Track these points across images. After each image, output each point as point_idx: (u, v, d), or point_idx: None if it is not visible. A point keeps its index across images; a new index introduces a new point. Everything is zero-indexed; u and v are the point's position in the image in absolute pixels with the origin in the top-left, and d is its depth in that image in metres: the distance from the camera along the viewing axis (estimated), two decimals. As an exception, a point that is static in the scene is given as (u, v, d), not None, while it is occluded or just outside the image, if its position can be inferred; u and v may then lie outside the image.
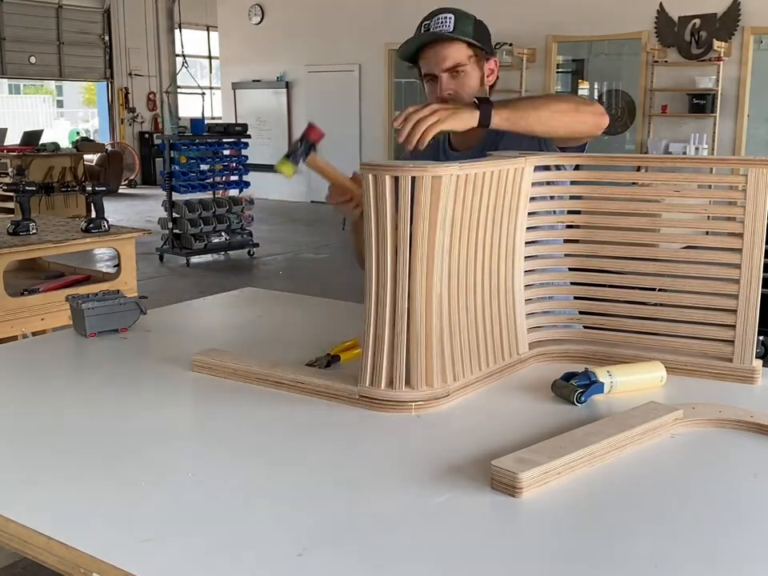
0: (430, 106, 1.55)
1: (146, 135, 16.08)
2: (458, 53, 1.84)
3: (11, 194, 5.78)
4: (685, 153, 9.00)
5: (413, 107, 1.54)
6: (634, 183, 1.68)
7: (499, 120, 1.59)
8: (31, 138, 11.79)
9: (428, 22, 1.86)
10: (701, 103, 9.34)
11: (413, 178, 1.33)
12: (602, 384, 1.45)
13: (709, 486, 1.16)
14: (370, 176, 1.35)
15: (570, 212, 1.69)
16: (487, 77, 1.90)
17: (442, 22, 1.84)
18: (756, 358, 1.57)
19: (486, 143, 1.85)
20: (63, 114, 24.41)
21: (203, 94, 15.63)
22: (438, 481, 1.13)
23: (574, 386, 1.44)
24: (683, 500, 1.11)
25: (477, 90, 1.85)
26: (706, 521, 1.06)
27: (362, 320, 1.42)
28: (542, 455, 1.13)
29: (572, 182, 1.68)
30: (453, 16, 1.84)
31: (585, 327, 1.70)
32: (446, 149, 2.00)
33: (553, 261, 1.71)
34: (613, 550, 0.98)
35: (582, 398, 1.43)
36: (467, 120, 1.57)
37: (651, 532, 1.01)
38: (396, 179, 1.33)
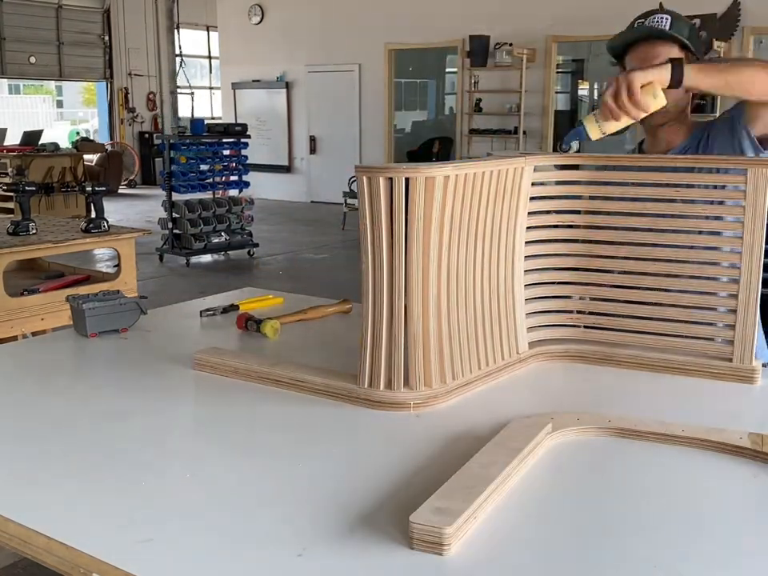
0: (621, 77, 1.53)
1: (146, 135, 16.09)
2: (669, 52, 1.79)
3: (11, 194, 5.77)
4: (685, 153, 8.98)
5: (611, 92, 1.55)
6: (633, 183, 1.68)
7: (695, 75, 1.55)
8: (31, 138, 11.80)
9: (642, 20, 1.83)
10: (701, 103, 9.32)
11: (407, 179, 1.33)
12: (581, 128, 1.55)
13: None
14: (365, 178, 1.35)
15: (570, 212, 1.69)
16: None
17: (658, 21, 1.81)
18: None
19: (688, 145, 1.83)
20: (63, 114, 24.42)
21: (192, 93, 15.65)
22: (438, 481, 1.13)
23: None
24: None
25: (681, 95, 1.82)
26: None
27: (360, 320, 1.42)
28: (456, 500, 1.03)
29: (572, 182, 1.67)
30: (669, 17, 1.81)
31: (585, 327, 1.70)
32: (634, 154, 1.95)
33: (553, 260, 1.71)
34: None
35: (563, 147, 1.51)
36: (660, 73, 1.54)
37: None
38: (390, 180, 1.34)
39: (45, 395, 1.51)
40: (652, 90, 1.58)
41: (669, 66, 1.57)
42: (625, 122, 1.64)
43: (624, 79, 1.56)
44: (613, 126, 1.66)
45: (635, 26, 1.86)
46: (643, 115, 1.62)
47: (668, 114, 1.82)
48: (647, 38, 1.83)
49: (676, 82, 1.57)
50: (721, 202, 1.59)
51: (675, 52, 1.81)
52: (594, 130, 1.67)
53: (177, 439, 1.33)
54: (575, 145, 1.68)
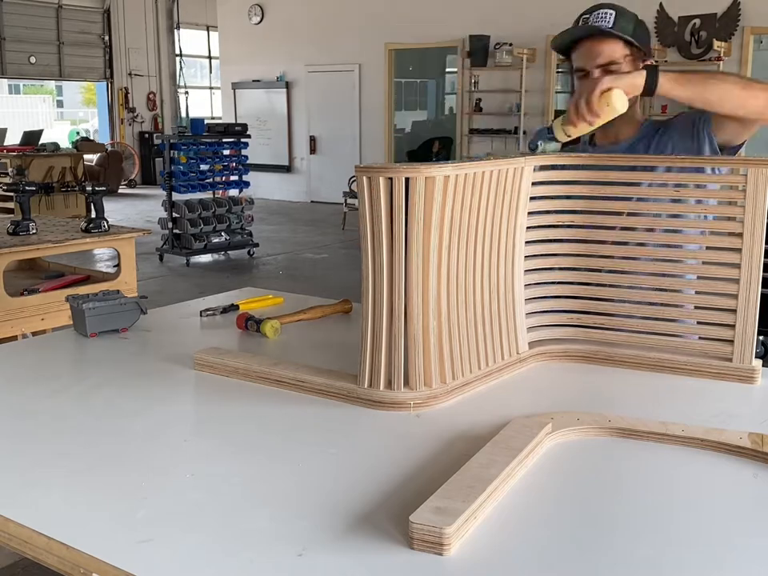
0: (592, 81, 1.52)
1: (146, 135, 16.09)
2: (613, 50, 1.79)
3: (11, 194, 5.77)
4: (685, 153, 8.99)
5: (576, 96, 1.54)
6: (633, 183, 1.68)
7: (669, 85, 1.54)
8: (31, 138, 11.80)
9: (587, 15, 1.83)
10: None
11: (406, 179, 1.33)
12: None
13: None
14: (365, 178, 1.35)
15: (570, 212, 1.69)
16: None
17: (601, 17, 1.79)
18: (756, 357, 1.57)
19: (639, 140, 1.83)
20: (63, 114, 24.43)
21: (186, 93, 15.64)
22: (438, 481, 1.13)
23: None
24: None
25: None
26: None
27: (360, 320, 1.42)
28: (456, 500, 1.02)
29: (572, 182, 1.67)
30: (614, 12, 1.79)
31: (585, 327, 1.70)
32: (585, 145, 1.95)
33: (552, 260, 1.71)
34: None
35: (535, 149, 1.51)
36: (633, 80, 1.53)
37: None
38: (390, 180, 1.34)
39: (45, 395, 1.51)
40: (607, 98, 1.58)
41: (644, 73, 1.56)
42: (583, 127, 1.64)
43: (588, 85, 1.55)
44: (574, 130, 1.67)
45: (580, 22, 1.84)
46: (599, 122, 1.61)
47: None
48: (591, 35, 1.81)
49: (649, 90, 1.57)
50: (720, 203, 1.59)
51: (620, 49, 1.80)
52: (560, 133, 1.68)
53: (177, 439, 1.33)
54: (542, 145, 1.69)
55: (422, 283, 1.39)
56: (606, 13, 1.80)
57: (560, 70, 10.90)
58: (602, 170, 1.65)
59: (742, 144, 1.81)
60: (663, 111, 9.61)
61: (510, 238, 1.59)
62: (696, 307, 1.61)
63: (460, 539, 0.98)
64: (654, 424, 1.31)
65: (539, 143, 1.71)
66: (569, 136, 1.68)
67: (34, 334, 3.18)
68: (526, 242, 1.64)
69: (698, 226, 1.61)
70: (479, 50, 10.98)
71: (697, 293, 1.63)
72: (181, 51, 16.75)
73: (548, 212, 1.68)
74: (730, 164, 1.59)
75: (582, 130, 1.66)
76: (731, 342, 1.56)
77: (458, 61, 11.49)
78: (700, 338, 1.61)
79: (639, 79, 1.57)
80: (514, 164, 1.55)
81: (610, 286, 1.67)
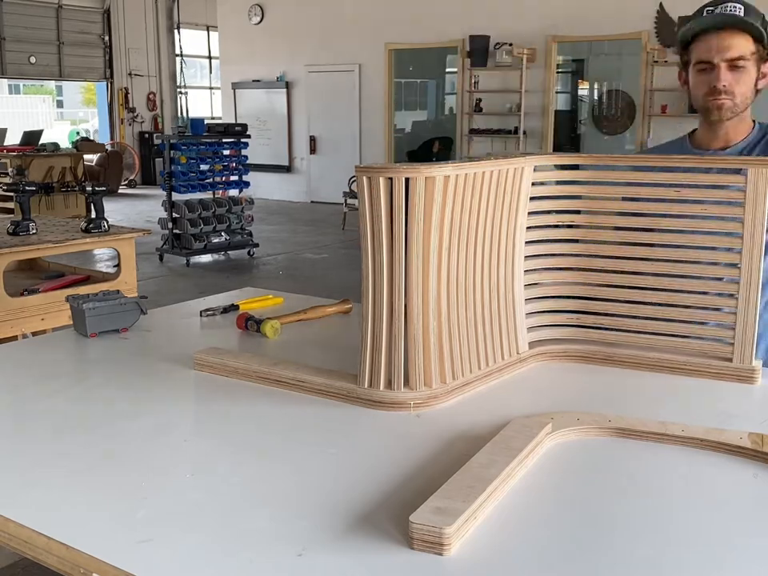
0: None
1: (146, 135, 16.09)
2: (743, 44, 1.73)
3: (11, 194, 5.77)
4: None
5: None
6: (634, 183, 1.68)
7: None
8: (31, 138, 11.80)
9: (712, 8, 1.75)
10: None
11: (407, 179, 1.34)
12: None
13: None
14: (365, 178, 1.35)
15: (570, 212, 1.69)
16: (760, 79, 1.81)
17: (731, 10, 1.72)
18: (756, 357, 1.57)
19: (754, 144, 1.80)
20: (63, 114, 24.43)
21: (183, 93, 15.63)
22: (438, 481, 1.13)
23: None
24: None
25: (751, 90, 1.79)
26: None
27: (360, 320, 1.42)
28: (456, 500, 1.02)
29: (572, 182, 1.67)
30: (743, 6, 1.73)
31: (585, 327, 1.70)
32: (684, 148, 1.91)
33: (552, 260, 1.71)
34: None
35: None
36: None
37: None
38: (390, 180, 1.34)
39: (45, 395, 1.51)
40: None
41: None
42: None
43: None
44: None
45: (704, 14, 1.76)
46: None
47: (737, 108, 1.80)
48: (721, 26, 1.74)
49: None
50: (721, 202, 1.59)
51: (749, 44, 1.74)
52: None
53: (177, 439, 1.33)
54: None
55: (422, 283, 1.39)
56: (735, 6, 1.73)
57: (560, 70, 10.90)
58: (603, 170, 1.65)
59: None
60: (663, 111, 9.62)
61: (510, 238, 1.59)
62: (696, 307, 1.61)
63: (460, 539, 0.98)
64: (653, 424, 1.31)
65: None
66: None
67: (34, 334, 3.18)
68: (526, 242, 1.64)
69: (698, 226, 1.61)
70: (479, 50, 10.98)
71: (697, 293, 1.63)
72: (181, 51, 16.75)
73: (548, 212, 1.68)
74: (730, 164, 1.59)
75: None
76: (731, 342, 1.56)
77: (458, 61, 11.49)
78: (700, 338, 1.61)
79: None
80: (514, 164, 1.55)
81: (610, 286, 1.67)
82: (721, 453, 1.25)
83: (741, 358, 1.56)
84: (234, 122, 11.79)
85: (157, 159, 14.94)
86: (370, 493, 1.12)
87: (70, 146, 13.00)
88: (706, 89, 1.78)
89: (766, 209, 1.50)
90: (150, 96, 16.49)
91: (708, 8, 1.77)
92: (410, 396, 1.41)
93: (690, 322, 1.62)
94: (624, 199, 1.66)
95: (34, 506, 1.08)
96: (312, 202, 13.31)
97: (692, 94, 1.85)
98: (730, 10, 1.73)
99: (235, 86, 14.02)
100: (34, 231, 3.51)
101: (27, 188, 3.59)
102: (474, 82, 11.37)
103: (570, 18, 10.15)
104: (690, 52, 1.82)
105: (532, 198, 1.62)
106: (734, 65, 1.75)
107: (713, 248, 1.59)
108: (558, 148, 10.75)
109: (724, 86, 1.76)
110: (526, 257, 1.64)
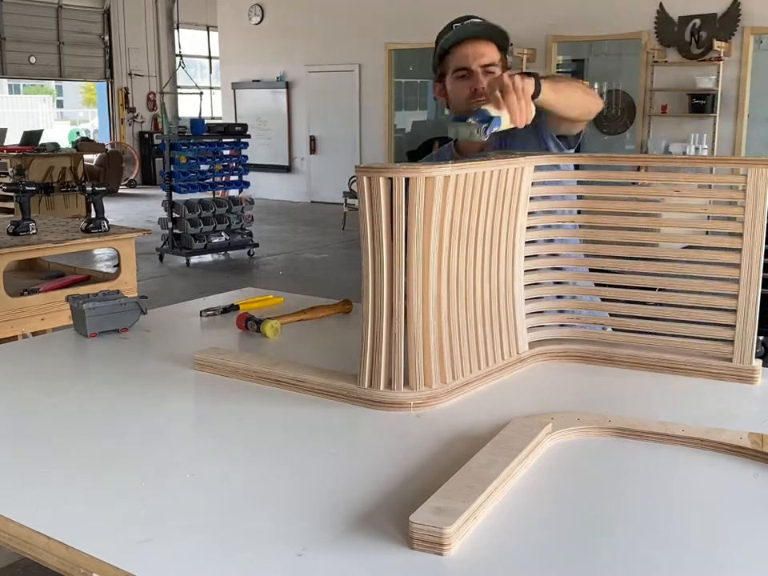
0: (508, 77, 1.53)
1: (146, 135, 16.09)
2: (494, 52, 1.92)
3: (11, 194, 5.77)
4: (685, 153, 9.01)
5: (494, 84, 1.53)
6: (634, 183, 1.68)
7: (546, 90, 1.58)
8: (31, 138, 11.80)
9: (459, 24, 1.93)
10: (701, 103, 9.35)
11: (406, 179, 1.34)
12: (500, 118, 1.50)
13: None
14: (365, 178, 1.35)
15: (570, 212, 1.69)
16: None
17: (478, 24, 1.94)
18: (756, 357, 1.57)
19: (493, 147, 1.87)
20: (63, 114, 24.43)
21: (201, 93, 15.65)
22: (438, 481, 1.13)
23: (475, 123, 1.48)
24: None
25: None
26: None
27: (360, 320, 1.42)
28: (456, 500, 1.02)
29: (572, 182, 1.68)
30: (483, 21, 1.94)
31: (585, 327, 1.70)
32: (453, 153, 2.04)
33: (552, 260, 1.71)
34: None
35: (486, 133, 1.48)
36: (532, 87, 1.55)
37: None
38: (390, 180, 1.34)
39: (45, 395, 1.51)
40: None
41: (533, 79, 1.56)
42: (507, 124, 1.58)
43: (520, 82, 1.52)
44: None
45: (452, 29, 1.93)
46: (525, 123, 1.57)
47: None
48: (476, 36, 1.92)
49: (536, 94, 1.57)
50: (720, 202, 1.59)
51: (496, 53, 1.91)
52: (470, 134, 1.56)
53: (177, 439, 1.33)
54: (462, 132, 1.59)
55: (422, 283, 1.39)
56: (477, 22, 1.94)
57: (560, 70, 10.90)
58: (603, 170, 1.65)
59: (581, 133, 1.89)
60: (663, 111, 9.62)
61: (510, 238, 1.59)
62: (696, 307, 1.61)
63: (460, 539, 0.98)
64: (653, 424, 1.31)
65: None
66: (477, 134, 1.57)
67: (34, 334, 3.18)
68: (526, 242, 1.64)
69: (698, 226, 1.61)
70: (479, 50, 10.97)
71: (697, 293, 1.63)
72: (181, 51, 16.75)
73: (548, 212, 1.68)
74: (730, 164, 1.59)
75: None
76: (731, 342, 1.56)
77: (458, 61, 11.48)
78: (700, 338, 1.61)
79: (531, 85, 1.56)
80: (514, 164, 1.55)
81: (610, 286, 1.67)
82: (721, 453, 1.25)
83: (741, 358, 1.56)
84: (234, 121, 11.79)
85: (157, 159, 14.93)
86: (369, 493, 1.12)
87: (70, 146, 13.00)
88: (467, 92, 1.90)
89: (766, 209, 1.50)
90: (150, 96, 16.49)
91: (456, 23, 1.95)
92: (410, 396, 1.41)
93: (690, 322, 1.62)
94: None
95: (34, 506, 1.08)
96: (312, 201, 13.31)
97: (452, 100, 1.98)
98: (478, 24, 1.94)
99: (235, 86, 14.01)
100: (34, 231, 3.51)
101: (27, 188, 3.59)
102: (474, 82, 11.36)
103: (569, 18, 10.15)
104: (445, 63, 1.97)
105: (532, 198, 1.62)
106: (487, 70, 1.90)
107: (713, 248, 1.59)
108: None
109: (483, 87, 1.86)
110: (526, 257, 1.64)
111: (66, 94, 24.41)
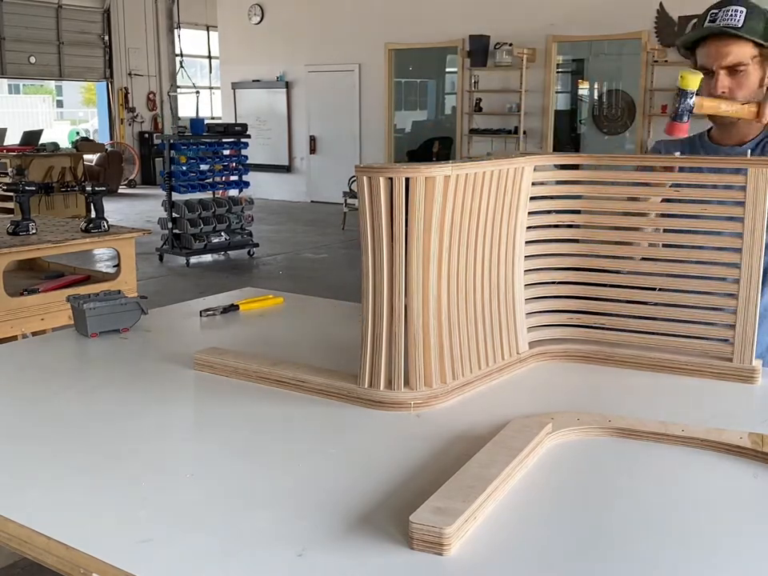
0: None
1: (146, 135, 16.09)
2: (741, 51, 1.75)
3: (11, 194, 5.77)
4: (685, 153, 8.97)
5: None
6: (633, 183, 1.68)
7: None
8: (31, 138, 11.79)
9: (716, 11, 1.77)
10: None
11: (407, 179, 1.34)
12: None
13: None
14: (365, 178, 1.35)
15: (570, 212, 1.69)
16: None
17: (731, 15, 1.73)
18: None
19: (762, 140, 1.83)
20: (63, 114, 24.42)
21: (197, 92, 15.63)
22: (438, 481, 1.13)
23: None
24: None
25: (754, 91, 1.79)
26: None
27: (360, 320, 1.42)
28: (456, 500, 1.02)
29: (572, 182, 1.67)
30: (744, 10, 1.73)
31: (585, 327, 1.70)
32: (703, 143, 1.93)
33: (553, 261, 1.71)
34: None
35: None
36: None
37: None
38: (390, 180, 1.34)
39: (45, 395, 1.51)
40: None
41: None
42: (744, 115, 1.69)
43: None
44: (735, 113, 1.72)
45: (707, 17, 1.78)
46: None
47: None
48: (719, 34, 1.75)
49: None
50: (721, 202, 1.59)
51: (749, 50, 1.75)
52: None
53: (177, 439, 1.33)
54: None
55: (422, 283, 1.39)
56: (736, 10, 1.73)
57: (560, 70, 10.90)
58: (603, 170, 1.65)
59: None
60: (663, 111, 9.62)
61: (511, 237, 1.59)
62: (696, 307, 1.61)
63: (460, 539, 0.98)
64: (653, 424, 1.31)
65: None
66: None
67: (34, 334, 3.18)
68: (526, 242, 1.64)
69: (698, 226, 1.61)
70: (479, 50, 10.98)
71: (697, 293, 1.63)
72: (181, 51, 16.74)
73: (548, 212, 1.68)
74: (730, 164, 1.59)
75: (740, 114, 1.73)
76: (731, 342, 1.56)
77: (458, 61, 11.48)
78: (700, 338, 1.61)
79: None
80: (515, 164, 1.55)
81: (610, 286, 1.67)
82: (721, 453, 1.25)
83: (741, 357, 1.56)
84: (234, 121, 11.79)
85: (157, 159, 14.93)
86: (369, 493, 1.12)
87: (70, 146, 13.00)
88: (707, 94, 1.79)
89: (767, 208, 1.50)
90: (150, 96, 16.48)
91: (712, 11, 1.78)
92: (410, 396, 1.41)
93: (690, 322, 1.62)
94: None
95: (34, 506, 1.08)
96: (312, 201, 13.31)
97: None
98: (731, 15, 1.73)
99: (235, 85, 14.01)
100: (34, 231, 3.51)
101: (27, 188, 3.58)
102: (474, 82, 11.36)
103: (570, 18, 10.15)
104: (694, 55, 1.84)
105: (532, 198, 1.62)
106: (732, 70, 1.76)
107: (713, 248, 1.59)
108: (557, 148, 10.75)
109: (723, 92, 1.77)
110: (525, 257, 1.64)
111: (65, 93, 24.40)
